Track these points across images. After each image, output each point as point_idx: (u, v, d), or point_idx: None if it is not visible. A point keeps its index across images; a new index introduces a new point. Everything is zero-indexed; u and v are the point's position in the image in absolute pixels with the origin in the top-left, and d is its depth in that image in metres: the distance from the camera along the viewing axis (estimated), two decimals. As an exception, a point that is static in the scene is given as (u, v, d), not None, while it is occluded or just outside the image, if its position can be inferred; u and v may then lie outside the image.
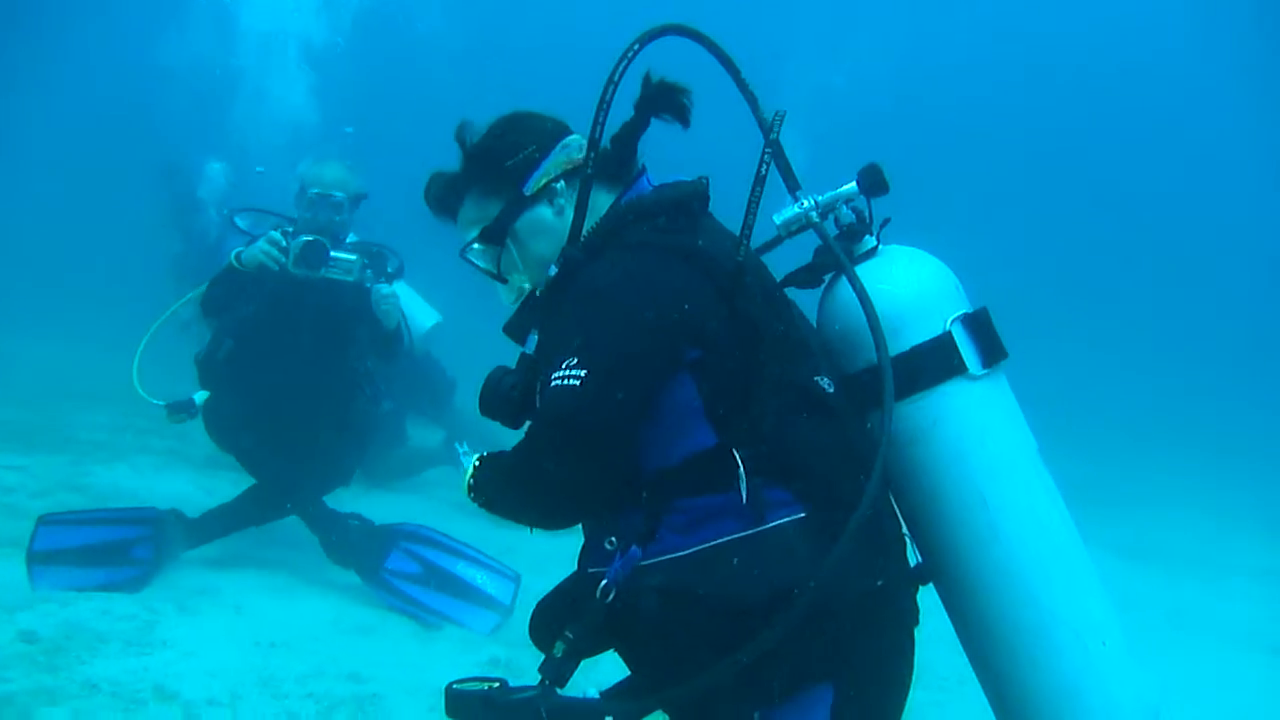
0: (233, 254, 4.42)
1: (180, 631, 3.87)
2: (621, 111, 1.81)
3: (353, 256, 4.44)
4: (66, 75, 19.06)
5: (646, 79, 1.81)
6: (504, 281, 1.93)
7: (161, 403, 4.52)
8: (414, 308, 6.11)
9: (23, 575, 4.02)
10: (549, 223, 1.86)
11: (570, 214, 1.81)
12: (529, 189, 1.86)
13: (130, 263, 8.48)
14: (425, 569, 4.55)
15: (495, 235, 1.88)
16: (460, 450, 1.87)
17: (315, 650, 3.95)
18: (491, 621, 4.47)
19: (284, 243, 4.35)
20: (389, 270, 4.62)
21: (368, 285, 4.48)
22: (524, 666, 3.38)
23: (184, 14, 10.66)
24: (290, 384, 4.59)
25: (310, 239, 4.38)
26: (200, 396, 4.57)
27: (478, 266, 1.93)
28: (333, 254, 4.40)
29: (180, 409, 4.52)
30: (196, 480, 5.76)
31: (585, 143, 1.78)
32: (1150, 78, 22.79)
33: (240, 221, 5.02)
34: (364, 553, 4.54)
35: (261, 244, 4.33)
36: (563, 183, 1.85)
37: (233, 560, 4.66)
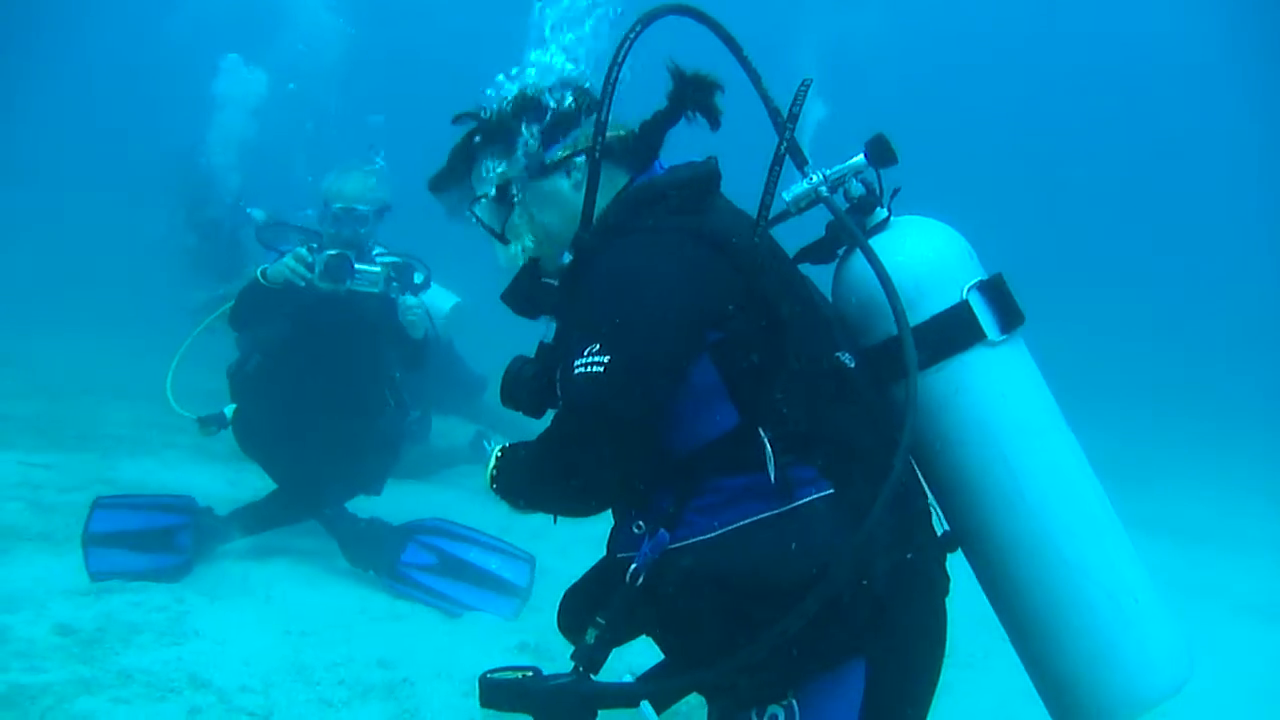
0: (258, 270, 4.50)
1: (212, 622, 3.92)
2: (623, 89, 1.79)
3: (377, 268, 4.50)
4: (94, 69, 19.15)
5: (678, 72, 1.79)
6: (505, 242, 1.91)
7: (194, 416, 4.66)
8: (432, 294, 6.12)
9: (57, 568, 4.09)
10: (563, 194, 1.84)
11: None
12: (550, 157, 1.85)
13: (148, 256, 8.50)
14: (440, 559, 4.60)
15: (508, 195, 1.88)
16: (490, 449, 1.87)
17: (345, 638, 4.00)
18: (512, 606, 4.51)
19: (309, 258, 4.41)
20: (416, 281, 4.66)
21: (393, 296, 4.54)
22: (554, 651, 3.39)
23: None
24: (318, 397, 4.67)
25: (335, 253, 4.45)
26: (230, 410, 4.71)
27: (481, 222, 1.91)
28: (357, 266, 4.46)
29: (211, 422, 4.69)
30: (223, 474, 5.81)
31: (610, 122, 1.76)
32: (1172, 43, 22.40)
33: (256, 213, 5.06)
34: (382, 552, 4.60)
35: (287, 260, 4.40)
36: (583, 158, 1.83)
37: (262, 551, 4.72)
